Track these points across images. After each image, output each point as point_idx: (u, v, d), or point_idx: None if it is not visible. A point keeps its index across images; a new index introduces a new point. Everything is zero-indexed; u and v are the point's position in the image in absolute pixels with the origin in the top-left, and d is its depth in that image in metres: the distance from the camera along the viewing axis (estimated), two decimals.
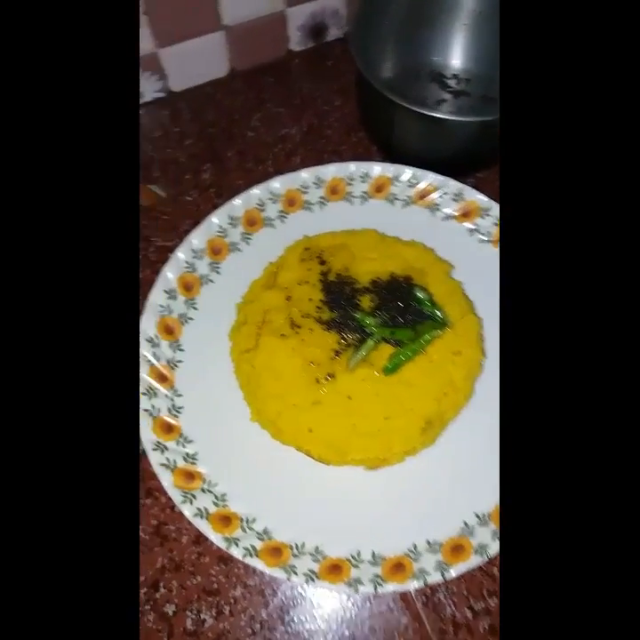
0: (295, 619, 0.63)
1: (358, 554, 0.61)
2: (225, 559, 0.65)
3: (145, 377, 0.68)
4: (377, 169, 0.80)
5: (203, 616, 0.63)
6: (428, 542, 0.61)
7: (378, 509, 0.63)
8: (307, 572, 0.60)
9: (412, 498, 0.63)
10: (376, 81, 0.72)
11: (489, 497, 0.62)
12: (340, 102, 0.93)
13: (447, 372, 0.63)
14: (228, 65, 0.93)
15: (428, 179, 0.78)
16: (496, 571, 0.64)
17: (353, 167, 0.80)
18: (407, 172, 0.79)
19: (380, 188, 0.80)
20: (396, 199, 0.80)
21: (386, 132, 0.82)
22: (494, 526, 0.60)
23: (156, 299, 0.72)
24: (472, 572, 0.63)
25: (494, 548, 0.59)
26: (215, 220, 0.77)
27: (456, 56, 0.92)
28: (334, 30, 0.98)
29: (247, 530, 0.62)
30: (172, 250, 0.79)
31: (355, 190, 0.80)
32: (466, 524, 0.61)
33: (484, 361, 0.67)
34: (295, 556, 0.61)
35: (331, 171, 0.79)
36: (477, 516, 0.61)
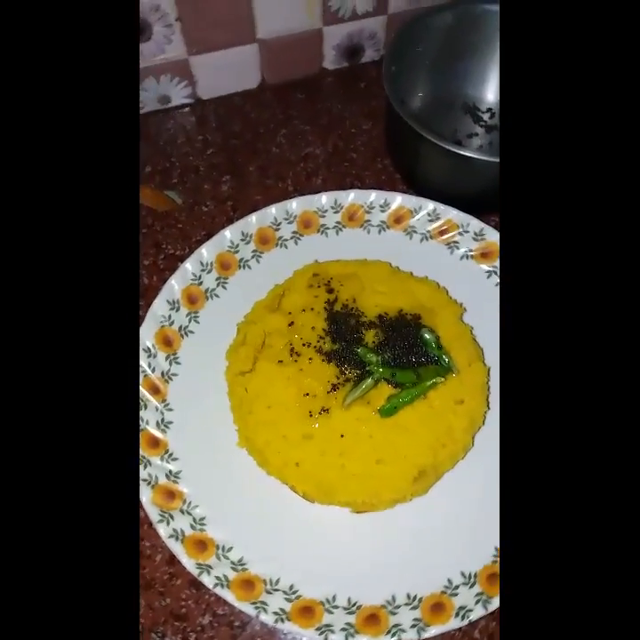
0: None
1: (333, 598, 0.59)
2: (197, 584, 0.63)
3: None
4: (398, 199, 0.78)
5: None
6: (408, 596, 0.58)
7: (360, 554, 0.61)
8: (277, 610, 0.57)
9: (397, 546, 0.61)
10: (404, 111, 0.70)
11: (478, 556, 0.59)
12: (369, 126, 0.91)
13: (447, 421, 0.61)
14: (259, 77, 0.92)
15: (450, 215, 0.76)
16: (477, 634, 0.60)
17: (374, 195, 0.78)
18: (429, 206, 0.77)
19: (399, 219, 0.78)
20: (415, 232, 0.78)
21: (411, 163, 0.80)
22: (479, 588, 0.57)
23: (157, 308, 0.71)
24: (452, 633, 0.60)
25: (477, 612, 0.56)
26: (228, 234, 0.75)
27: (491, 90, 0.90)
28: (371, 52, 0.96)
29: (222, 558, 0.60)
30: (182, 259, 0.78)
31: (373, 219, 0.78)
32: (450, 581, 0.58)
33: (488, 413, 0.64)
34: (268, 591, 0.59)
35: (350, 196, 0.78)
36: (463, 575, 0.59)
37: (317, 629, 0.56)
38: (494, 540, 0.60)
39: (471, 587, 0.58)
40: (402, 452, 0.59)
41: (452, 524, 0.61)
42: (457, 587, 0.58)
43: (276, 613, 0.57)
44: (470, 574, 0.58)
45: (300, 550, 0.61)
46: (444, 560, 0.59)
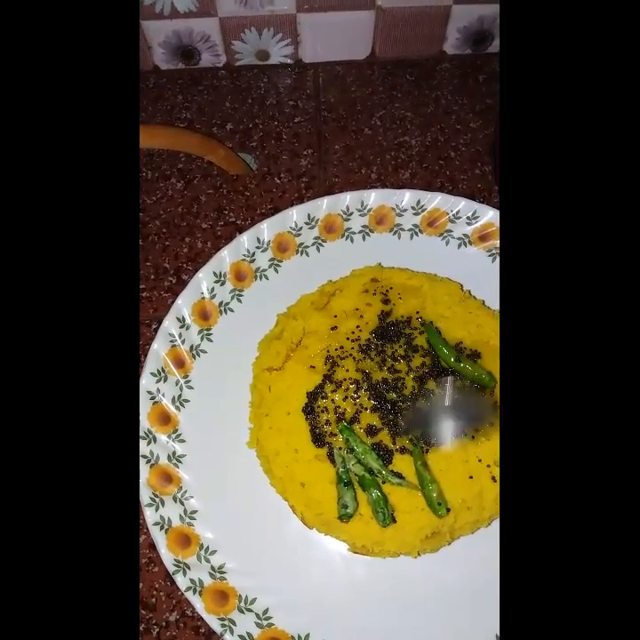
0: None
1: (306, 637, 0.53)
2: (172, 577, 0.59)
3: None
4: (490, 214, 0.68)
5: None
6: None
7: (349, 595, 0.55)
8: (244, 634, 0.53)
9: (388, 600, 0.55)
10: None
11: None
12: (478, 125, 0.81)
13: (479, 485, 0.52)
14: (368, 49, 0.83)
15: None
16: None
17: (463, 204, 0.69)
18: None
19: (485, 236, 0.69)
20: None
21: None
22: None
23: (203, 279, 0.66)
24: None
25: None
26: (294, 214, 0.69)
27: None
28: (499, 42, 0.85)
29: (202, 560, 0.56)
30: (241, 229, 0.72)
31: (456, 230, 0.69)
32: None
33: None
34: (240, 609, 0.54)
35: (436, 200, 0.69)
36: None
37: None
38: (494, 625, 0.52)
39: None
40: (420, 503, 0.52)
41: (452, 595, 0.54)
42: None
43: (241, 637, 0.53)
44: None
45: (286, 573, 0.56)
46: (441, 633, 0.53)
